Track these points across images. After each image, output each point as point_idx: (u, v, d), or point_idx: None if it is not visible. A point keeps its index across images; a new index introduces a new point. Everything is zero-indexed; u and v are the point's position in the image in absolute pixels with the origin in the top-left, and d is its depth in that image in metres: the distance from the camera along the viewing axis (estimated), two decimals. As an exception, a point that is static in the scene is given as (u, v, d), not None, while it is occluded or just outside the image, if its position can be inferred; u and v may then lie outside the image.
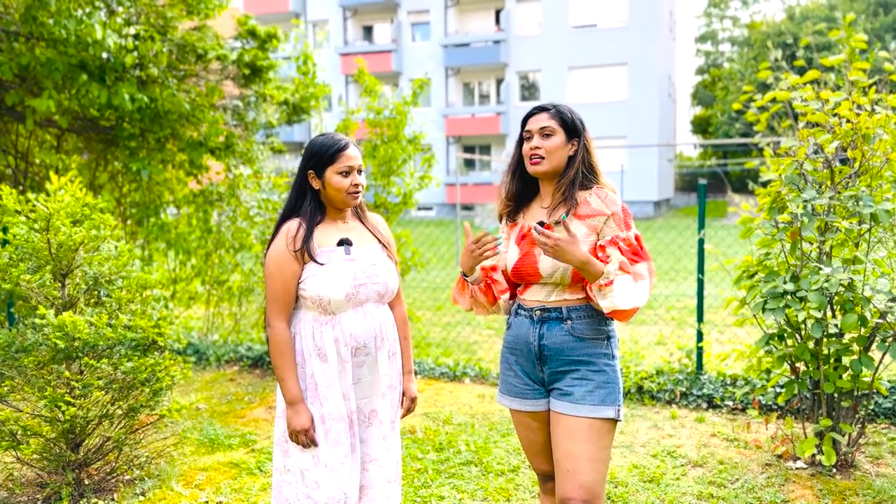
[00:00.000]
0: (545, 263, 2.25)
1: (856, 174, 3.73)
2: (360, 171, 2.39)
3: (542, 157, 2.28)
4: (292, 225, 2.35)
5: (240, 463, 4.00)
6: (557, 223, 2.24)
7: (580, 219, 2.24)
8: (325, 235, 2.37)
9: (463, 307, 2.50)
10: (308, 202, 2.38)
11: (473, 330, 7.75)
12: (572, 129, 2.29)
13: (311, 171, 2.37)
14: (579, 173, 2.27)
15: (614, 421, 2.25)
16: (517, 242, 2.35)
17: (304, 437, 2.30)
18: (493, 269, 2.45)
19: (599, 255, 2.19)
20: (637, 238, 2.21)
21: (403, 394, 2.57)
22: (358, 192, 2.38)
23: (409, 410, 2.60)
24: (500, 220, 2.49)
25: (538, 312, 2.29)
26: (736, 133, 34.78)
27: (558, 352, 2.25)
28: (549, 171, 2.29)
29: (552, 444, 2.30)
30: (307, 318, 2.35)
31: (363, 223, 2.50)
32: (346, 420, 2.33)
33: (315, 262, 2.30)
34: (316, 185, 2.37)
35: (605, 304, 2.13)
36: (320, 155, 2.35)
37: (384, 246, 2.48)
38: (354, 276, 2.32)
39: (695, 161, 42.14)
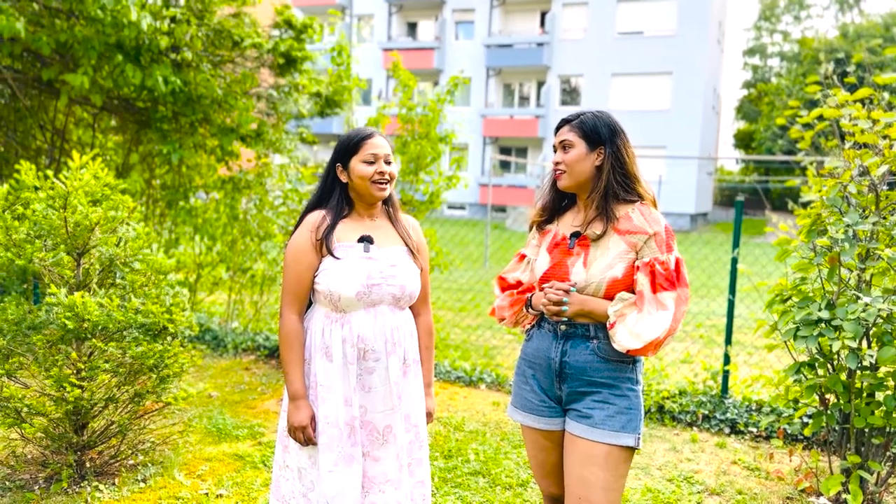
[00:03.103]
0: (578, 274, 2.14)
1: (903, 200, 3.53)
2: (387, 162, 2.31)
3: (563, 171, 2.20)
4: (316, 216, 2.30)
5: (244, 455, 3.94)
6: (597, 239, 2.15)
7: (620, 234, 2.13)
8: (348, 231, 2.30)
9: (507, 323, 2.44)
10: (335, 196, 2.32)
11: (494, 334, 7.62)
12: (595, 138, 2.17)
13: (338, 165, 2.32)
14: (611, 184, 2.14)
15: (633, 449, 2.13)
16: (548, 251, 2.25)
17: (301, 434, 2.22)
18: (519, 283, 2.38)
19: (635, 276, 2.10)
20: (677, 262, 2.10)
21: None
22: (384, 182, 2.29)
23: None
24: (531, 228, 2.41)
25: (563, 327, 2.17)
26: (780, 150, 34.06)
27: (580, 371, 2.14)
28: (573, 185, 2.20)
29: (564, 468, 2.19)
30: (319, 313, 2.29)
31: (394, 225, 2.40)
32: (339, 426, 2.22)
33: (332, 255, 2.22)
34: (344, 178, 2.31)
35: (615, 346, 2.08)
36: (346, 145, 2.31)
37: (412, 251, 2.38)
38: (368, 274, 2.23)
39: (735, 176, 41.38)
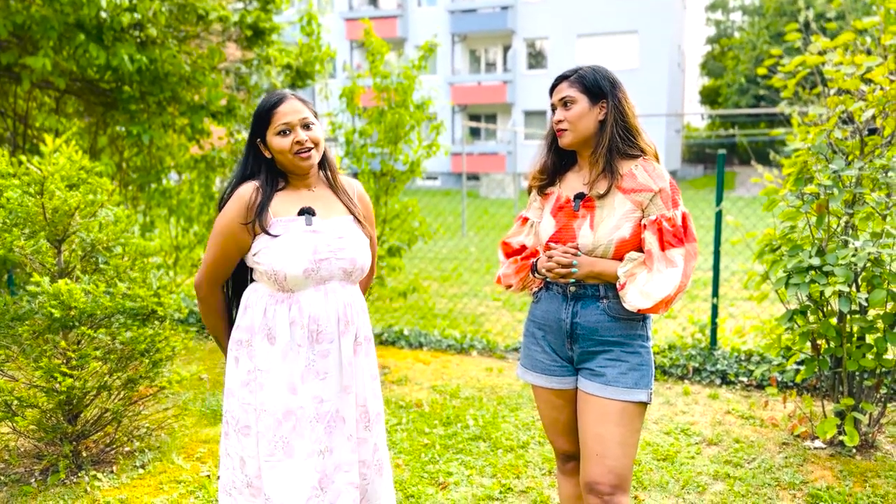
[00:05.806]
0: (586, 237, 2.10)
1: (887, 144, 3.56)
2: (305, 126, 2.05)
3: (566, 129, 2.13)
4: (247, 189, 2.06)
5: (242, 435, 3.90)
6: (600, 196, 2.11)
7: (624, 192, 2.08)
8: (286, 204, 2.08)
9: (514, 290, 2.38)
10: (263, 173, 2.10)
11: (480, 302, 7.63)
12: (596, 92, 2.12)
13: (258, 140, 2.09)
14: (615, 138, 2.10)
15: (645, 404, 2.14)
16: (553, 214, 2.21)
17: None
18: (524, 247, 2.34)
19: (642, 234, 2.07)
20: (684, 217, 2.07)
21: None
22: (306, 151, 2.04)
23: None
24: (530, 192, 2.35)
25: (572, 289, 2.15)
26: (746, 104, 34.32)
27: (592, 331, 2.13)
28: (577, 141, 2.14)
29: (579, 426, 2.18)
30: (261, 291, 2.08)
31: (335, 192, 2.19)
32: (277, 416, 2.02)
33: (267, 233, 2.03)
34: (268, 154, 2.09)
35: (626, 306, 2.06)
36: (258, 119, 2.07)
37: (357, 219, 2.18)
38: (315, 249, 2.02)
39: (702, 132, 41.68)
